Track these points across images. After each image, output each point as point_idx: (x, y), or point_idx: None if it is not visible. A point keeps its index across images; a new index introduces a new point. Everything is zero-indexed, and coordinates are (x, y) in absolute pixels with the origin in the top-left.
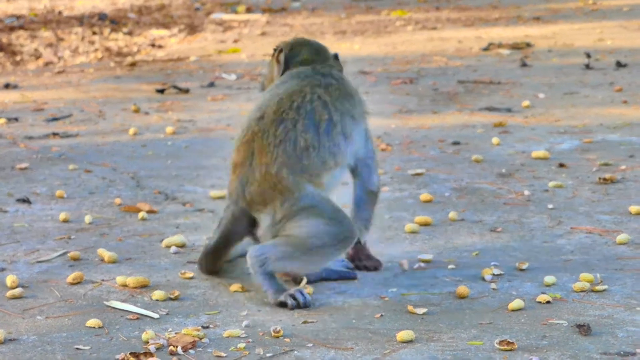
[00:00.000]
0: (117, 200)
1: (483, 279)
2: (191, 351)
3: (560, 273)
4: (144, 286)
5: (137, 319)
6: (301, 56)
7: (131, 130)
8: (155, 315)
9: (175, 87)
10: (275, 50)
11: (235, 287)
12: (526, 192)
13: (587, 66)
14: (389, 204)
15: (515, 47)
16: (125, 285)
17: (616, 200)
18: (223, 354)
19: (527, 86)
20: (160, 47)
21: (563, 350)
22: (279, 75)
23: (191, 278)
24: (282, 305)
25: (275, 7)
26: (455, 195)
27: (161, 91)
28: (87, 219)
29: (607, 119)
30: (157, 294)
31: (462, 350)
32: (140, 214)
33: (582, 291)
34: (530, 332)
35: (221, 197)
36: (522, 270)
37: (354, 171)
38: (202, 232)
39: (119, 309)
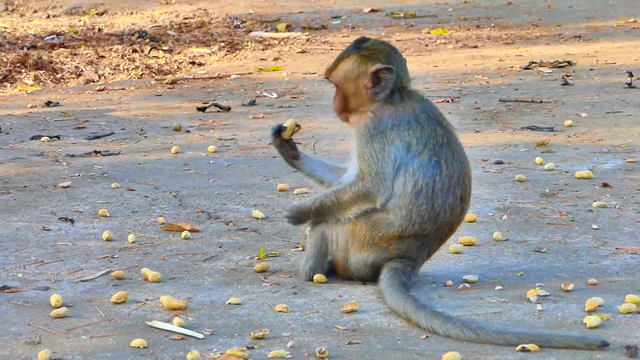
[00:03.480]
0: (160, 219)
1: (528, 300)
2: None
3: (606, 294)
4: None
5: (182, 339)
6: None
7: (173, 149)
8: (200, 336)
9: (216, 105)
10: (363, 54)
11: (280, 307)
12: (570, 212)
13: (630, 85)
14: None
15: (557, 65)
16: (172, 309)
17: None
18: None
19: (569, 105)
20: (200, 65)
21: None
22: (383, 97)
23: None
24: None
25: (315, 25)
26: (499, 215)
27: (202, 109)
28: (130, 238)
29: None
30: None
31: None
32: (184, 233)
33: (628, 312)
34: (577, 354)
35: (264, 218)
36: (567, 291)
37: None
38: (244, 252)
39: (164, 329)
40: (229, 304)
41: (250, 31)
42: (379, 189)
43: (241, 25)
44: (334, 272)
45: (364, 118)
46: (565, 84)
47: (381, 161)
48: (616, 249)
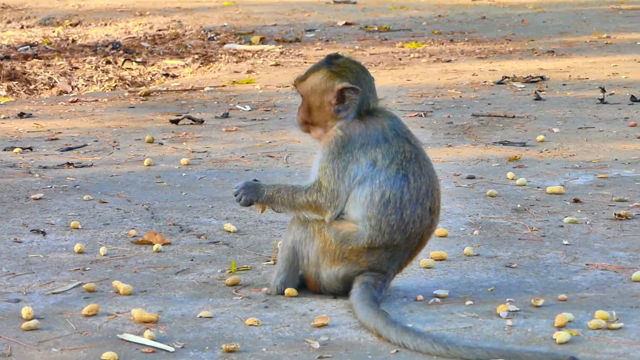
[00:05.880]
0: (133, 232)
1: (498, 315)
2: None
3: (575, 310)
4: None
5: (153, 352)
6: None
7: (146, 161)
8: (171, 349)
9: (189, 117)
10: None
11: (251, 321)
12: (541, 228)
13: (602, 100)
14: None
15: (530, 80)
16: (143, 321)
17: (632, 237)
18: None
19: (541, 120)
20: (174, 77)
21: None
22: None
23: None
24: None
25: (289, 37)
26: (470, 230)
27: (175, 122)
28: (102, 250)
29: (621, 154)
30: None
31: None
32: (155, 246)
33: (598, 328)
34: None
35: (236, 231)
36: (537, 306)
37: None
38: (216, 265)
39: (135, 342)
40: (200, 317)
41: (224, 43)
42: (330, 205)
43: (215, 38)
44: (305, 286)
45: (332, 133)
46: (538, 99)
47: (340, 180)
48: (586, 265)
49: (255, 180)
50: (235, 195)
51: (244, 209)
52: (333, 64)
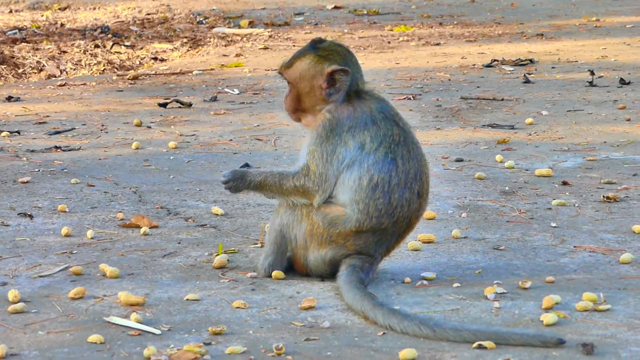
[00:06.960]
0: (120, 215)
1: (486, 297)
2: None
3: (563, 292)
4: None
5: (139, 334)
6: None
7: (133, 145)
8: (157, 332)
9: (177, 101)
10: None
11: (237, 303)
12: (529, 210)
13: (591, 83)
14: None
15: (519, 63)
16: (129, 304)
17: (620, 219)
18: None
19: (530, 103)
20: (162, 60)
21: None
22: (336, 98)
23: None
24: None
25: (278, 21)
26: (458, 213)
27: (164, 105)
28: (89, 233)
29: (610, 136)
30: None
31: None
32: (143, 229)
33: (585, 310)
34: (533, 352)
35: (223, 214)
36: (525, 289)
37: None
38: (203, 248)
39: (121, 325)
40: (187, 300)
41: (213, 27)
42: (318, 189)
43: (204, 21)
44: (293, 268)
45: (320, 117)
46: (527, 82)
47: (328, 164)
48: (574, 247)
49: (247, 164)
50: (224, 184)
51: None
52: (319, 48)
